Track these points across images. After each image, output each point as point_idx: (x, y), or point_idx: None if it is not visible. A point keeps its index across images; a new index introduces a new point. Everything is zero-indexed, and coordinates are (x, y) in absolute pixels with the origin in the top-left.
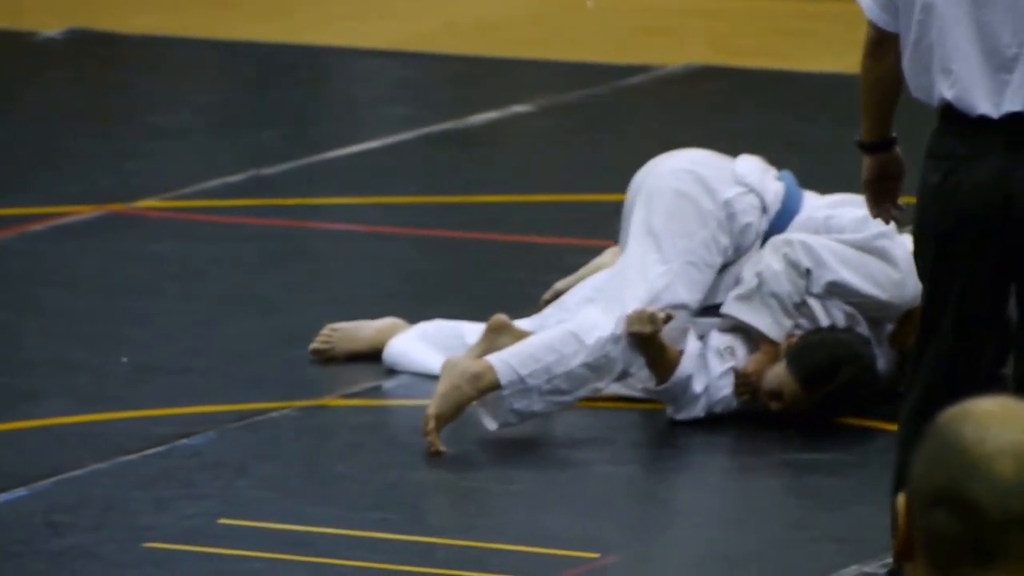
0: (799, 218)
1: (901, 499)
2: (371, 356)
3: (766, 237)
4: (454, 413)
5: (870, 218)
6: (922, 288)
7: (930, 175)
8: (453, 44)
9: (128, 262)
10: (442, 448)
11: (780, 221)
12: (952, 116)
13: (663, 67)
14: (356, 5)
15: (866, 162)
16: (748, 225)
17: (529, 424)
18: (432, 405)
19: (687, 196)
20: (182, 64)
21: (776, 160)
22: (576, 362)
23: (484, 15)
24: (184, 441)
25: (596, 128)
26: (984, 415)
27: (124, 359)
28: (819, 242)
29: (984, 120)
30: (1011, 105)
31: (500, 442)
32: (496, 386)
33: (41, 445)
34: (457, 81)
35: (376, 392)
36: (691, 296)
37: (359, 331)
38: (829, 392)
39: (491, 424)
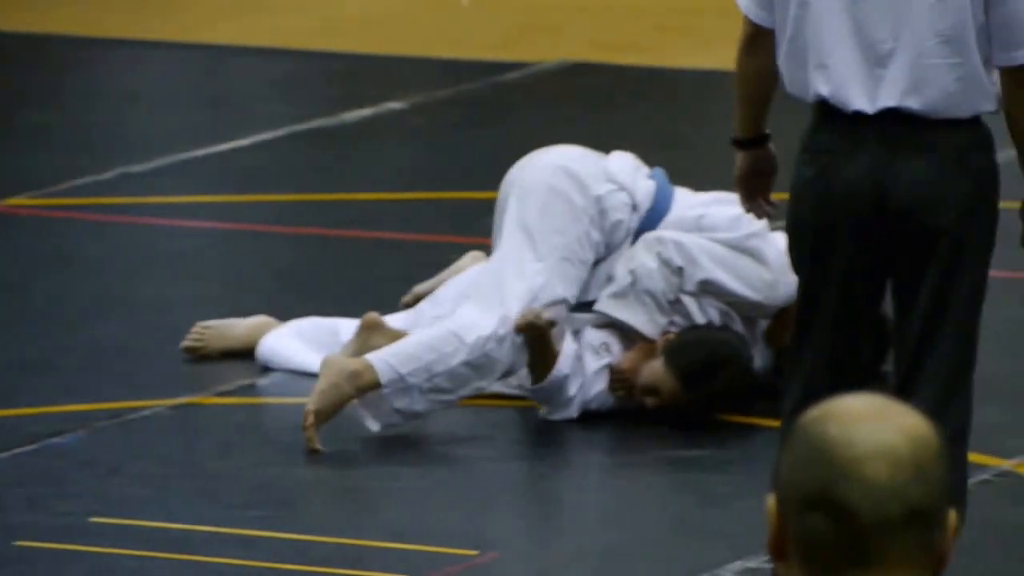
0: (671, 216)
1: (771, 501)
2: (245, 354)
3: (637, 235)
4: (333, 410)
5: (743, 217)
6: (798, 283)
7: (805, 170)
8: (328, 41)
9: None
10: (319, 446)
11: (651, 219)
12: (827, 112)
13: (540, 64)
14: (234, 3)
15: (739, 158)
16: (619, 222)
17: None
18: (311, 402)
19: (560, 192)
20: (56, 62)
21: (651, 157)
22: (456, 361)
23: (361, 12)
24: (57, 439)
25: (471, 125)
26: (849, 415)
27: None
28: (692, 240)
29: (859, 115)
30: (886, 100)
31: (378, 439)
32: (376, 385)
33: None
34: (332, 78)
35: (250, 390)
36: (568, 292)
37: (231, 328)
38: (707, 391)
39: (373, 425)
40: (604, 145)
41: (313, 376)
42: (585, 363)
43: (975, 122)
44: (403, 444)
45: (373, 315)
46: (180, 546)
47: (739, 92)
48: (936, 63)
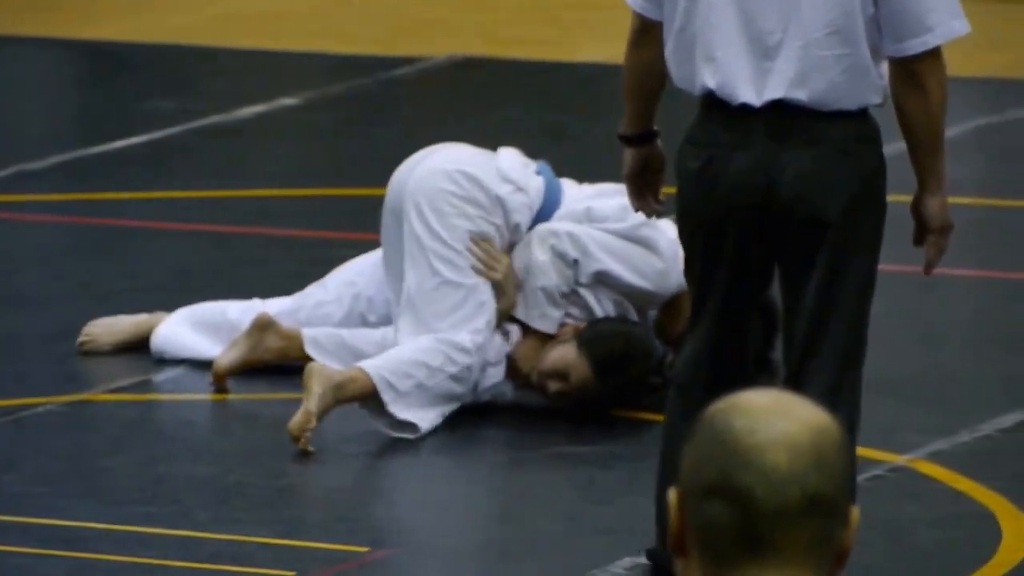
0: (560, 211)
1: (673, 492)
2: (137, 347)
3: (529, 230)
4: (321, 416)
5: (626, 206)
6: (687, 273)
7: (690, 162)
8: (221, 38)
9: None
10: (310, 448)
11: (543, 214)
12: (715, 104)
13: (430, 59)
14: (126, 1)
15: (627, 155)
16: (519, 224)
17: (282, 412)
18: (310, 405)
19: (461, 198)
20: None
21: (541, 151)
22: (444, 375)
23: (253, 9)
24: None
25: (362, 121)
26: (753, 407)
27: None
28: (585, 232)
29: (746, 108)
30: (773, 92)
31: (268, 437)
32: (369, 393)
33: None
34: (225, 75)
35: (144, 387)
36: (491, 296)
37: (119, 323)
38: (619, 381)
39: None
40: (494, 139)
41: (207, 364)
42: (486, 351)
43: (862, 114)
44: (285, 438)
45: (265, 315)
46: (70, 544)
47: (627, 87)
48: (824, 55)
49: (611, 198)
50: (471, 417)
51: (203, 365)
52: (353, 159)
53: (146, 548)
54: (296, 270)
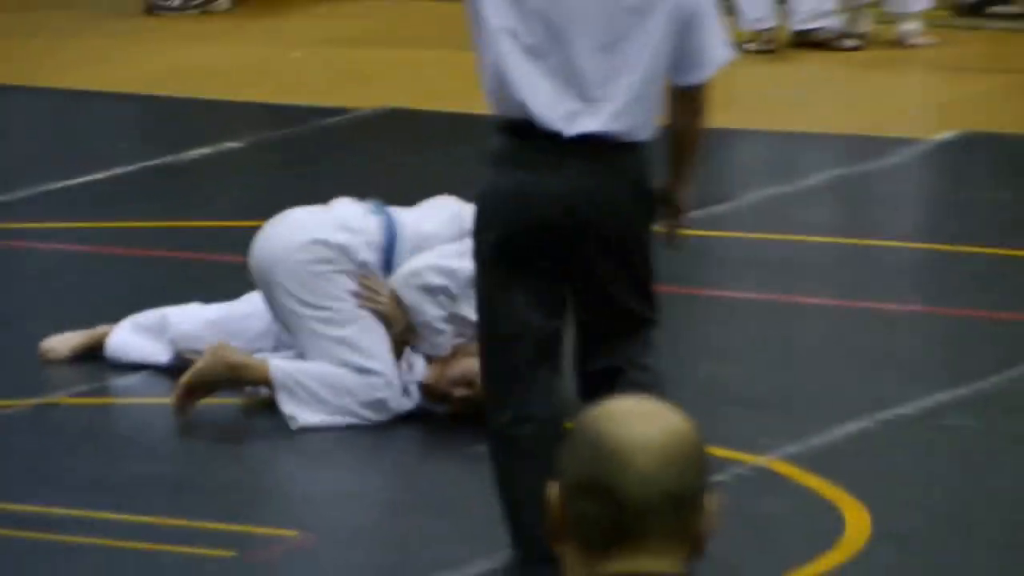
0: (402, 240)
1: (552, 490)
2: (94, 357)
3: (388, 266)
4: (204, 389)
5: (459, 213)
6: (484, 284)
7: (503, 181)
8: (174, 88)
9: None
10: (186, 415)
11: (389, 249)
12: (530, 132)
13: (361, 109)
14: (91, 52)
15: None
16: (366, 262)
17: (227, 414)
18: (186, 375)
19: (313, 261)
20: None
21: (464, 195)
22: (351, 399)
23: (202, 63)
24: None
25: (297, 163)
26: (623, 414)
27: None
28: (435, 257)
29: (559, 136)
30: (584, 127)
31: (214, 438)
32: (262, 380)
33: None
34: (177, 120)
35: (101, 391)
36: (379, 325)
37: (73, 336)
38: None
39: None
40: (418, 184)
41: (157, 367)
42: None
43: (645, 145)
44: (223, 436)
45: (222, 345)
46: (26, 525)
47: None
48: (635, 97)
49: (438, 211)
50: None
51: (156, 371)
52: (288, 197)
53: (100, 532)
54: (236, 290)
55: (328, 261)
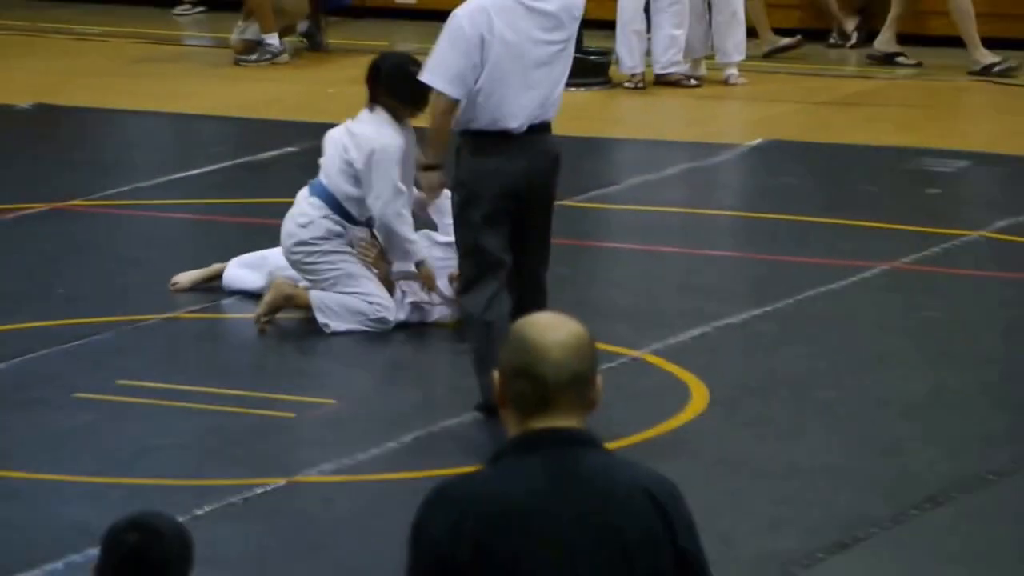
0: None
1: (496, 374)
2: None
3: (350, 217)
4: (273, 312)
5: (336, 140)
6: (473, 232)
7: (487, 163)
8: (251, 112)
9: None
10: (266, 328)
11: (339, 207)
12: (502, 132)
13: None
14: (196, 89)
15: (431, 176)
16: (337, 231)
17: (288, 325)
18: (260, 305)
19: (307, 255)
20: (85, 126)
21: None
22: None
23: (270, 96)
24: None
25: None
26: (541, 323)
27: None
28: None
29: (515, 131)
30: (531, 122)
31: (272, 338)
32: (304, 305)
33: None
34: (253, 133)
35: (214, 308)
36: (361, 268)
37: (194, 272)
38: None
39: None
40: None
41: (256, 291)
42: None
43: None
44: (290, 339)
45: (280, 281)
46: (159, 396)
47: (440, 140)
48: (556, 99)
49: (333, 150)
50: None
51: (251, 295)
52: None
53: (206, 400)
54: None
55: (312, 252)
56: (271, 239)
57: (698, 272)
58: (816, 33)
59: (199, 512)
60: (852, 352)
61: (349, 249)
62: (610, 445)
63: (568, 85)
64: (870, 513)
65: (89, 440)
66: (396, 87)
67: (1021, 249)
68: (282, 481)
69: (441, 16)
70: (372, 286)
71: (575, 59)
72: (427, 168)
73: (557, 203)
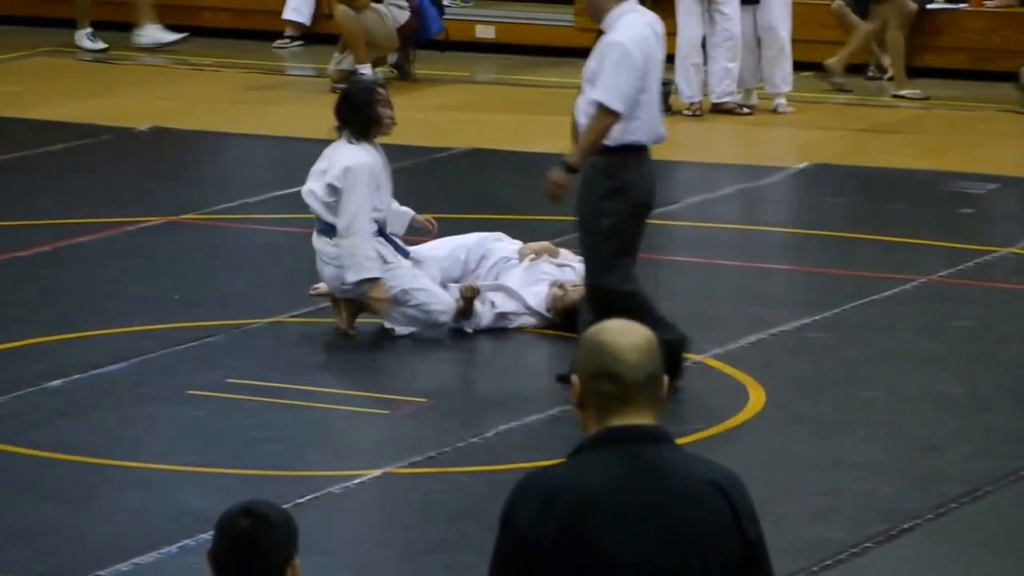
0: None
1: (575, 377)
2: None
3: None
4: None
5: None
6: (617, 219)
7: (641, 171)
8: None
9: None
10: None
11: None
12: (644, 147)
13: (455, 148)
14: (294, 115)
15: (566, 178)
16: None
17: (367, 330)
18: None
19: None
20: (194, 147)
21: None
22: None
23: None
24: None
25: (421, 178)
26: (615, 328)
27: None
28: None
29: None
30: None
31: (360, 340)
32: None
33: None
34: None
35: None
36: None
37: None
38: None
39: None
40: (482, 193)
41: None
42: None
43: None
44: (373, 342)
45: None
46: (262, 393)
47: (593, 151)
48: None
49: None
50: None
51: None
52: (412, 202)
53: (302, 397)
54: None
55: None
56: None
57: (752, 283)
58: (857, 67)
59: (300, 500)
60: (893, 357)
61: (388, 263)
62: (679, 441)
63: None
64: (911, 505)
65: (200, 433)
66: (364, 112)
67: None
68: (376, 472)
69: (517, 49)
70: (423, 296)
71: None
72: (568, 170)
73: None
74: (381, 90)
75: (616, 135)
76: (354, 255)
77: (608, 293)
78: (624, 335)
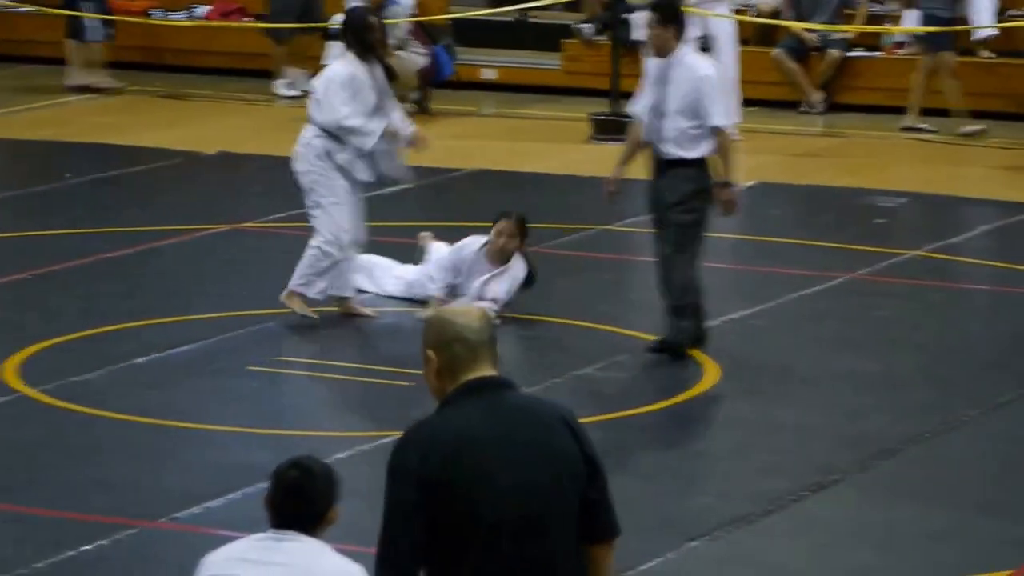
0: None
1: (429, 351)
2: None
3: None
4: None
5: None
6: (706, 218)
7: (708, 180)
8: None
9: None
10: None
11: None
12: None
13: (468, 169)
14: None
15: (730, 193)
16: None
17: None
18: None
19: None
20: (238, 171)
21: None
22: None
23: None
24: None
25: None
26: (454, 310)
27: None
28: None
29: None
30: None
31: (383, 322)
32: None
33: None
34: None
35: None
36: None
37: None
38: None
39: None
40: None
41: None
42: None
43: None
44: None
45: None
46: (310, 369)
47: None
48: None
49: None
50: None
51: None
52: (443, 223)
53: (343, 372)
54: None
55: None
56: (398, 254)
57: (707, 279)
58: (790, 104)
59: (339, 455)
60: (823, 341)
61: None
62: (647, 409)
63: (607, 140)
64: (840, 462)
65: (257, 401)
66: (359, 34)
67: (945, 264)
68: (400, 432)
69: (519, 88)
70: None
71: (613, 119)
72: (724, 185)
73: (603, 227)
74: (372, 18)
75: (705, 149)
76: (352, 139)
77: (694, 279)
78: (463, 312)
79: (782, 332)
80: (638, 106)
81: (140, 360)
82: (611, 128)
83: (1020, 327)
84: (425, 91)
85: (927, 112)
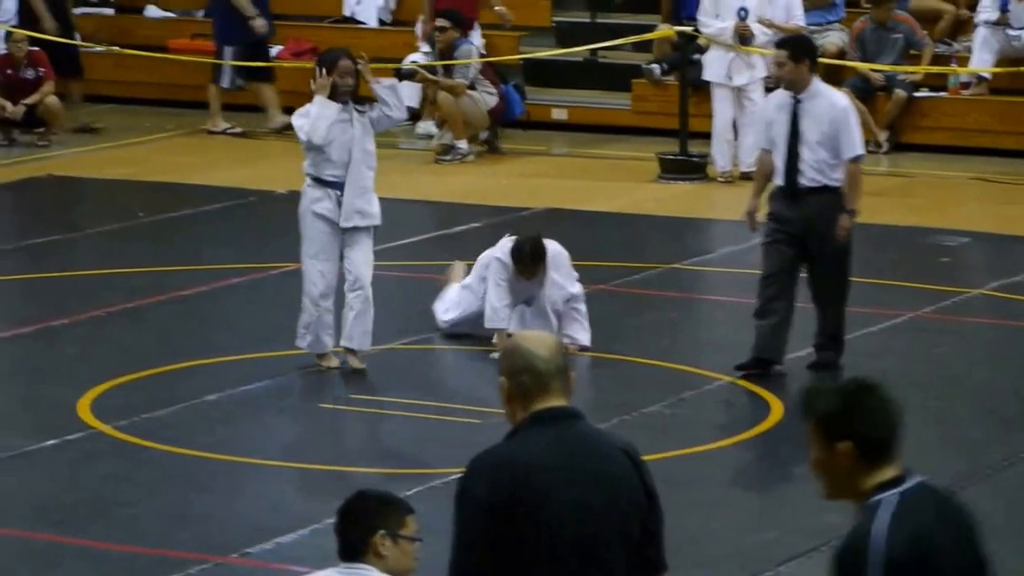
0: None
1: (502, 377)
2: None
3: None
4: None
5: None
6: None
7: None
8: (448, 197)
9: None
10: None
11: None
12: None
13: (534, 208)
14: (408, 181)
15: (848, 219)
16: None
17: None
18: None
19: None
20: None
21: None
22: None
23: (460, 187)
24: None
25: (501, 232)
26: (528, 337)
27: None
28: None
29: None
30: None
31: (460, 357)
32: None
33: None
34: (448, 214)
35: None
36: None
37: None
38: None
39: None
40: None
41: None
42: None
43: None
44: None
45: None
46: (359, 405)
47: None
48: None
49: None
50: None
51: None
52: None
53: (403, 408)
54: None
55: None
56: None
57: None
58: None
59: (409, 492)
60: (886, 377)
61: None
62: (714, 446)
63: (675, 179)
64: None
65: (328, 438)
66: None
67: (1008, 303)
68: None
69: (585, 127)
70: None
71: (681, 159)
72: (848, 212)
73: (669, 265)
74: (345, 61)
75: (840, 177)
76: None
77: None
78: (537, 341)
79: (847, 369)
80: (763, 140)
81: (212, 397)
82: (679, 167)
83: None
84: (495, 130)
85: (994, 152)
